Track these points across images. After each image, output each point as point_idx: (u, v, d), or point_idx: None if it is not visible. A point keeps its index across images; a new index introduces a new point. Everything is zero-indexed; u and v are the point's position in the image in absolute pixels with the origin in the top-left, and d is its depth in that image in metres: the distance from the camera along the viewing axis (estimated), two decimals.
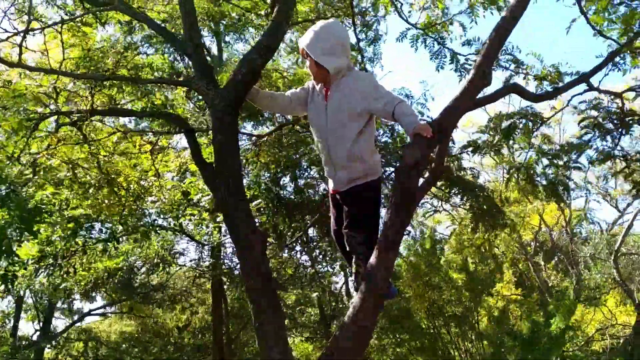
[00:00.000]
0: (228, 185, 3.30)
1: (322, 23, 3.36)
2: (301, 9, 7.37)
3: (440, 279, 18.11)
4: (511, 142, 8.10)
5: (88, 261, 11.43)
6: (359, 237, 3.27)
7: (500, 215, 9.96)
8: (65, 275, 11.37)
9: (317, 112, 3.39)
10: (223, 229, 12.00)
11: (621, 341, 18.80)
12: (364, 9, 7.45)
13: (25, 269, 10.28)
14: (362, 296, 2.87)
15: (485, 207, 9.49)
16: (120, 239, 11.61)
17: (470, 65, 5.86)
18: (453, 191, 9.74)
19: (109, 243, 10.79)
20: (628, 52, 5.37)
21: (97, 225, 12.39)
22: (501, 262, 20.53)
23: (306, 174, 12.46)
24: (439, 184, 9.61)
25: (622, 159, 7.66)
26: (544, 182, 8.45)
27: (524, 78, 6.57)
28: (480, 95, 3.64)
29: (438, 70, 6.98)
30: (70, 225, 10.06)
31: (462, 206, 10.19)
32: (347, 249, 3.37)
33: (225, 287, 16.72)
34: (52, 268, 11.14)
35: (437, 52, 6.75)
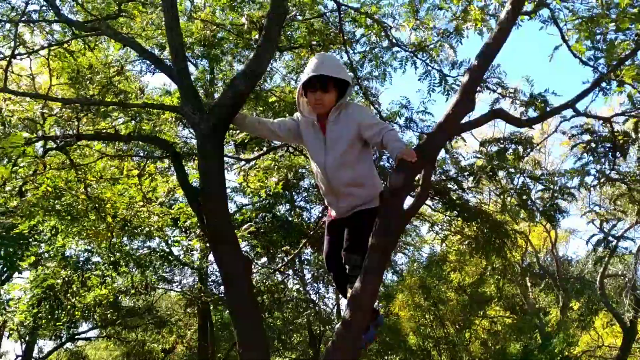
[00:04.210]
0: (213, 210, 3.30)
1: (323, 54, 3.46)
2: (298, 36, 7.43)
3: (435, 299, 18.12)
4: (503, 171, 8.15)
5: (84, 292, 11.35)
6: (358, 259, 3.17)
7: (508, 234, 9.79)
8: (66, 312, 11.30)
9: (316, 146, 3.40)
10: (210, 254, 11.95)
11: None
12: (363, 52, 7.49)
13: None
14: (346, 322, 2.85)
15: (490, 227, 9.34)
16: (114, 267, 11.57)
17: (459, 87, 5.94)
18: (454, 214, 9.67)
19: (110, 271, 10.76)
20: (614, 78, 5.44)
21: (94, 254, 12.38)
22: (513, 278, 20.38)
23: (300, 197, 12.51)
24: (439, 206, 9.62)
25: (622, 182, 7.68)
26: (538, 207, 8.47)
27: (512, 103, 6.63)
28: (464, 120, 3.67)
29: (430, 94, 7.05)
30: (63, 262, 10.01)
31: (468, 228, 10.07)
32: (347, 271, 3.31)
33: (211, 311, 16.65)
34: (53, 306, 11.04)
35: (426, 73, 6.84)
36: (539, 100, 6.03)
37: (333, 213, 3.53)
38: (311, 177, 12.16)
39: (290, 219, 12.09)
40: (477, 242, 9.67)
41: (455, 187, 8.94)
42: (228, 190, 3.55)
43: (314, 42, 6.98)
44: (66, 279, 10.69)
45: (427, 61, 6.79)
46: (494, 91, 6.53)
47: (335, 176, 3.33)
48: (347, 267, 3.30)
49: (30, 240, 9.84)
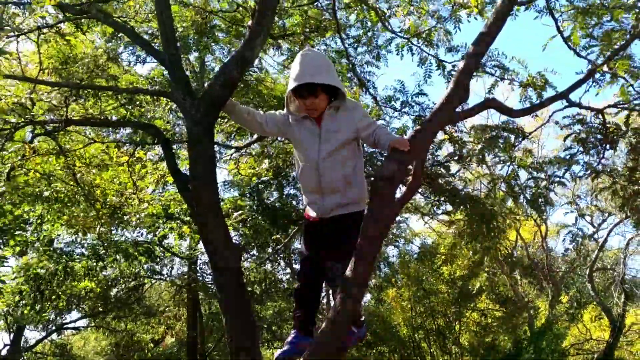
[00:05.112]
0: (202, 197, 3.26)
1: (307, 55, 3.28)
2: (291, 23, 7.37)
3: (427, 290, 18.20)
4: (492, 155, 8.12)
5: (70, 284, 11.26)
6: (339, 268, 3.08)
7: (497, 220, 9.62)
8: (49, 304, 11.21)
9: (309, 138, 3.31)
10: (200, 242, 11.88)
11: (595, 356, 18.95)
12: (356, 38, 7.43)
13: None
14: (336, 310, 2.82)
15: (478, 213, 9.18)
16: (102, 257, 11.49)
17: (455, 74, 5.93)
18: (443, 199, 9.59)
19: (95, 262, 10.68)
20: (607, 70, 5.42)
21: (78, 245, 12.29)
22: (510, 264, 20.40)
23: (290, 186, 12.41)
24: (427, 193, 9.57)
25: (608, 174, 7.68)
26: (526, 196, 8.46)
27: (510, 84, 6.60)
28: (458, 109, 3.64)
29: (426, 81, 7.07)
30: (49, 251, 9.93)
31: (455, 214, 9.97)
32: (328, 278, 3.28)
33: (201, 301, 16.62)
34: (36, 297, 10.95)
35: (423, 59, 6.83)
36: (539, 79, 6.01)
37: (312, 214, 3.43)
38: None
39: (278, 205, 12.00)
40: (469, 226, 9.54)
41: (444, 171, 8.88)
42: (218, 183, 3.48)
43: (307, 30, 6.92)
44: (51, 269, 10.58)
45: (423, 47, 6.77)
46: (492, 74, 6.51)
47: (328, 171, 3.26)
48: (329, 275, 3.24)
49: (15, 229, 9.74)
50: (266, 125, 3.46)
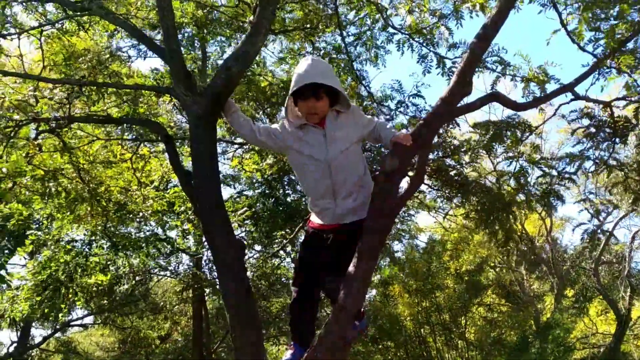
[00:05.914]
0: (205, 193, 3.25)
1: (310, 59, 3.24)
2: (292, 18, 7.37)
3: (433, 284, 18.20)
4: (500, 149, 8.08)
5: (85, 278, 11.27)
6: (333, 282, 3.01)
7: (508, 209, 9.45)
8: (68, 301, 11.23)
9: (314, 140, 3.24)
10: (204, 238, 11.86)
11: (602, 350, 18.90)
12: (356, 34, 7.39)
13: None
14: (339, 306, 2.81)
15: (489, 202, 9.01)
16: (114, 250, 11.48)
17: (457, 68, 5.91)
18: (453, 192, 9.48)
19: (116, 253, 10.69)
20: (613, 62, 5.38)
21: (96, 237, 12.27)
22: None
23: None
24: (437, 185, 9.51)
25: (619, 169, 7.60)
26: (536, 192, 8.39)
27: (512, 79, 6.57)
28: (461, 103, 3.62)
29: (424, 74, 7.07)
30: (68, 246, 9.96)
31: (466, 204, 9.83)
32: (326, 291, 3.24)
33: (206, 297, 16.64)
34: (55, 295, 10.96)
35: (424, 56, 6.80)
36: (539, 74, 5.97)
37: (319, 222, 3.34)
38: None
39: (290, 201, 12.01)
40: (479, 214, 9.38)
41: (453, 163, 8.78)
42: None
43: (308, 26, 6.90)
44: (69, 264, 10.59)
45: (424, 44, 6.74)
46: (494, 70, 6.47)
47: (340, 171, 3.19)
48: (329, 291, 3.16)
49: (26, 229, 9.78)
50: (258, 133, 3.38)
